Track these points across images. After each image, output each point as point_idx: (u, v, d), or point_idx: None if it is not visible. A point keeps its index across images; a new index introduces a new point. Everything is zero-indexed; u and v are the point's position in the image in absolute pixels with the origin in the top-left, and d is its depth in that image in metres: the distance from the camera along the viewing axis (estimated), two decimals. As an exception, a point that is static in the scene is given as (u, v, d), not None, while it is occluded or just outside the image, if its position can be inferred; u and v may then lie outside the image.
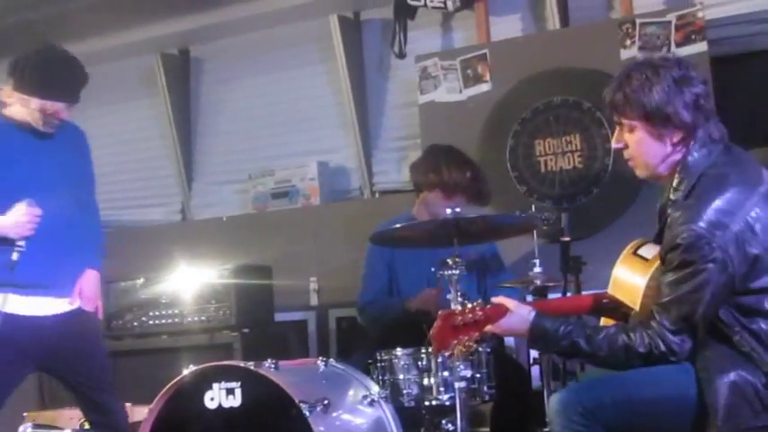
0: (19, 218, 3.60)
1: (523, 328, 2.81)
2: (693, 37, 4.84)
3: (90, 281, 3.82)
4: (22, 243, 3.60)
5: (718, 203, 2.62)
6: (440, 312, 2.86)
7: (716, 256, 2.57)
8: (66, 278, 3.77)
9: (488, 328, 2.83)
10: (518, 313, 2.82)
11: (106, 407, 3.77)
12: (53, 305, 3.74)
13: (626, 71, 2.81)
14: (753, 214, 2.63)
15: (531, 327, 2.78)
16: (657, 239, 2.79)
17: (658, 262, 2.74)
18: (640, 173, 2.88)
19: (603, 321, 2.93)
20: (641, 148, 2.80)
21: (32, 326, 3.66)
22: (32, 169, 3.71)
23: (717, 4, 5.07)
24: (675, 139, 2.75)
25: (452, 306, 3.39)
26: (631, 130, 2.80)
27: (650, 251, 2.84)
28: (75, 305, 3.79)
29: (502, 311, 2.82)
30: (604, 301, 2.92)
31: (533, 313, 2.80)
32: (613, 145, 2.90)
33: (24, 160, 3.72)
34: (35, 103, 3.65)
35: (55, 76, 3.67)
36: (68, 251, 3.74)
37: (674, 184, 2.76)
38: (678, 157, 2.76)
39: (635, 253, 2.87)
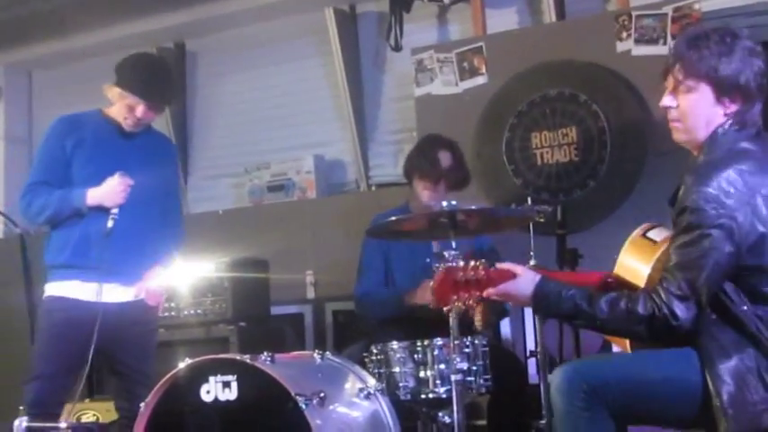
0: (113, 187, 3.85)
1: (526, 293, 2.77)
2: (689, 29, 4.82)
3: (156, 279, 4.01)
4: (115, 211, 3.85)
5: (731, 173, 2.60)
6: (443, 266, 2.83)
7: (722, 222, 2.56)
8: (133, 269, 3.96)
9: (490, 290, 2.79)
10: (524, 278, 2.78)
11: (140, 399, 3.81)
12: (119, 293, 3.93)
13: (703, 32, 2.75)
14: (764, 191, 2.61)
15: (534, 289, 2.75)
16: (671, 203, 2.75)
17: (666, 245, 2.73)
18: (680, 136, 2.81)
19: None
20: (695, 110, 2.74)
21: (96, 311, 3.79)
22: (116, 162, 3.91)
23: (714, -4, 5.08)
24: (732, 109, 2.71)
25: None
26: (690, 90, 2.73)
27: (660, 234, 2.83)
28: (140, 297, 3.98)
29: (507, 276, 2.78)
30: (609, 280, 2.88)
31: (539, 277, 2.77)
32: (664, 102, 2.80)
33: (110, 153, 3.96)
34: (131, 99, 3.90)
35: (154, 79, 3.95)
36: (139, 244, 3.94)
37: (698, 154, 2.74)
38: (715, 125, 2.72)
39: (644, 235, 2.87)
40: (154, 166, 4.04)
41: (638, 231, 2.89)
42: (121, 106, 3.94)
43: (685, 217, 2.61)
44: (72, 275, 3.89)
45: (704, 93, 2.73)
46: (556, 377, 2.72)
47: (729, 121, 2.72)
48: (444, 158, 4.39)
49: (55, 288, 3.91)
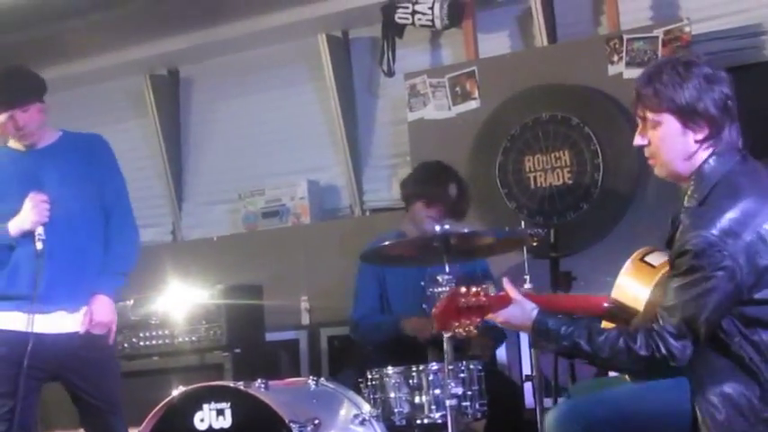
0: (28, 208, 3.67)
1: (525, 324, 2.76)
2: (680, 52, 4.84)
3: (99, 307, 3.78)
4: (40, 231, 3.66)
5: (731, 213, 2.59)
6: (448, 290, 2.83)
7: (726, 264, 2.54)
8: (75, 293, 3.75)
9: (490, 316, 2.80)
10: (520, 307, 2.77)
11: (110, 428, 3.76)
12: (66, 321, 3.74)
13: (656, 66, 2.78)
14: (765, 226, 2.60)
15: (533, 325, 2.74)
16: (668, 245, 2.75)
17: (666, 269, 2.73)
18: (660, 171, 2.82)
19: (604, 326, 2.91)
20: (665, 143, 2.74)
21: (42, 341, 3.64)
22: (29, 183, 3.75)
23: (703, 19, 5.08)
24: (700, 137, 2.70)
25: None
26: (656, 125, 2.74)
27: (658, 258, 2.82)
28: (86, 329, 3.76)
29: (506, 301, 2.79)
30: (605, 305, 2.88)
31: (536, 311, 2.76)
32: (636, 141, 2.82)
33: (20, 178, 3.78)
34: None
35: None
36: (78, 263, 3.75)
37: (689, 192, 2.73)
38: (698, 159, 2.72)
39: (642, 260, 2.86)
40: (75, 171, 3.83)
41: (635, 255, 2.88)
42: (4, 126, 3.77)
43: (686, 260, 2.59)
44: (8, 306, 3.72)
45: (669, 123, 2.72)
46: (551, 416, 2.73)
47: (709, 151, 2.71)
48: (452, 189, 4.40)
49: None
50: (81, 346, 3.74)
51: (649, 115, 2.75)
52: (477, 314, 2.78)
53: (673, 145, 2.73)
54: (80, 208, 3.79)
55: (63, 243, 3.71)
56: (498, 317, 2.80)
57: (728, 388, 2.58)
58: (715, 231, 2.56)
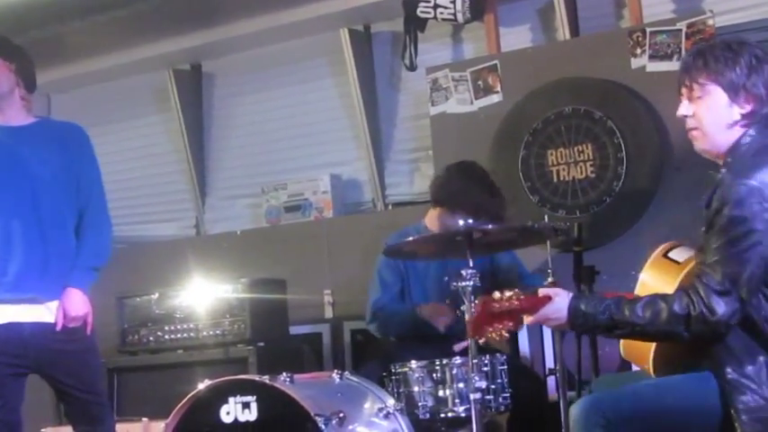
0: None
1: (562, 314, 2.75)
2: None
3: (71, 301, 3.67)
4: None
5: None
6: (480, 297, 2.82)
7: (767, 216, 2.54)
8: (38, 285, 3.65)
9: (528, 319, 2.79)
10: (559, 299, 2.76)
11: (97, 419, 3.74)
12: (38, 311, 3.65)
13: (707, 44, 2.85)
14: None
15: (569, 308, 2.73)
16: (707, 203, 2.71)
17: (691, 265, 2.72)
18: (700, 144, 2.82)
19: None
20: (710, 114, 2.76)
21: (15, 331, 3.60)
22: (4, 162, 3.66)
23: (727, 12, 5.07)
24: (745, 110, 2.73)
25: (466, 316, 3.40)
26: (702, 95, 2.76)
27: (682, 254, 2.81)
28: (59, 326, 3.65)
29: (543, 302, 2.77)
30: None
31: (571, 294, 2.76)
32: (680, 111, 2.83)
33: None
34: None
35: None
36: (43, 253, 3.66)
37: (727, 162, 2.74)
38: (738, 131, 2.74)
39: (665, 255, 2.85)
40: (50, 156, 3.71)
41: (659, 251, 2.87)
42: None
43: (726, 212, 2.57)
44: None
45: (716, 96, 2.75)
46: (574, 410, 2.72)
47: (752, 127, 2.73)
48: (475, 202, 4.32)
49: None
50: (59, 340, 3.65)
51: (696, 86, 2.77)
52: (510, 318, 2.78)
53: (718, 116, 2.76)
54: (51, 194, 3.69)
55: (30, 229, 3.63)
56: (537, 317, 2.79)
57: (748, 367, 2.57)
58: (756, 180, 2.57)
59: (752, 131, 2.73)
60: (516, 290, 2.79)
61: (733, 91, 2.73)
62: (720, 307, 2.55)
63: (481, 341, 3.19)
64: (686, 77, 2.80)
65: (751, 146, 2.72)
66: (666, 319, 2.60)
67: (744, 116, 2.74)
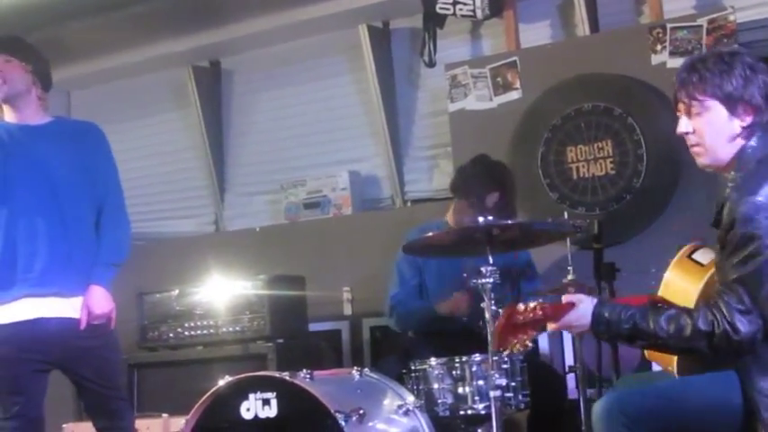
0: None
1: (585, 321, 2.74)
2: (725, 41, 4.80)
3: (95, 298, 3.70)
4: None
5: None
6: (504, 309, 2.82)
7: None
8: (61, 280, 3.68)
9: (552, 326, 2.79)
10: (584, 305, 2.75)
11: (117, 414, 3.76)
12: (60, 306, 3.67)
13: (700, 56, 2.81)
14: None
15: (593, 315, 2.71)
16: (715, 226, 2.73)
17: (713, 270, 2.71)
18: (703, 160, 2.81)
19: None
20: (711, 130, 2.75)
21: (38, 326, 3.63)
22: (25, 159, 3.69)
23: (748, 7, 5.03)
24: (745, 123, 2.72)
25: (486, 314, 3.40)
26: (702, 112, 2.75)
27: (706, 256, 2.80)
28: (84, 324, 3.68)
29: (566, 309, 2.76)
30: (658, 305, 2.86)
31: (595, 300, 2.75)
32: (679, 129, 2.82)
33: (19, 153, 3.71)
34: None
35: None
36: (66, 249, 3.69)
37: (733, 173, 2.73)
38: (741, 143, 2.73)
39: (689, 257, 2.84)
40: (68, 156, 3.75)
41: (683, 252, 2.85)
42: None
43: (736, 231, 2.57)
44: (5, 298, 3.66)
45: (716, 111, 2.74)
46: (597, 407, 2.72)
47: (754, 135, 2.72)
48: (491, 198, 4.36)
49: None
50: (83, 336, 3.68)
51: (695, 102, 2.75)
52: (534, 327, 2.77)
53: (719, 131, 2.74)
54: (70, 191, 3.72)
55: (52, 226, 3.66)
56: (560, 324, 2.78)
57: None
58: (762, 195, 2.56)
59: (753, 141, 2.72)
60: (540, 300, 2.80)
61: (732, 104, 2.72)
62: (744, 326, 2.55)
63: (505, 353, 3.16)
64: (683, 93, 2.78)
65: (754, 156, 2.70)
66: (690, 335, 2.60)
67: (744, 128, 2.73)
